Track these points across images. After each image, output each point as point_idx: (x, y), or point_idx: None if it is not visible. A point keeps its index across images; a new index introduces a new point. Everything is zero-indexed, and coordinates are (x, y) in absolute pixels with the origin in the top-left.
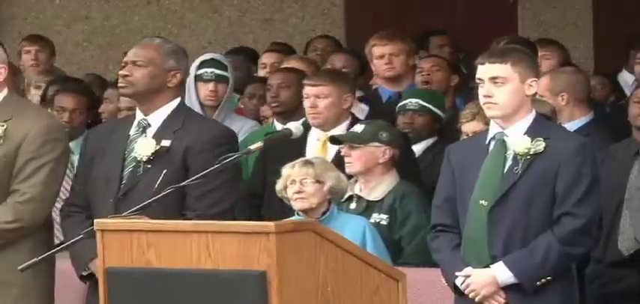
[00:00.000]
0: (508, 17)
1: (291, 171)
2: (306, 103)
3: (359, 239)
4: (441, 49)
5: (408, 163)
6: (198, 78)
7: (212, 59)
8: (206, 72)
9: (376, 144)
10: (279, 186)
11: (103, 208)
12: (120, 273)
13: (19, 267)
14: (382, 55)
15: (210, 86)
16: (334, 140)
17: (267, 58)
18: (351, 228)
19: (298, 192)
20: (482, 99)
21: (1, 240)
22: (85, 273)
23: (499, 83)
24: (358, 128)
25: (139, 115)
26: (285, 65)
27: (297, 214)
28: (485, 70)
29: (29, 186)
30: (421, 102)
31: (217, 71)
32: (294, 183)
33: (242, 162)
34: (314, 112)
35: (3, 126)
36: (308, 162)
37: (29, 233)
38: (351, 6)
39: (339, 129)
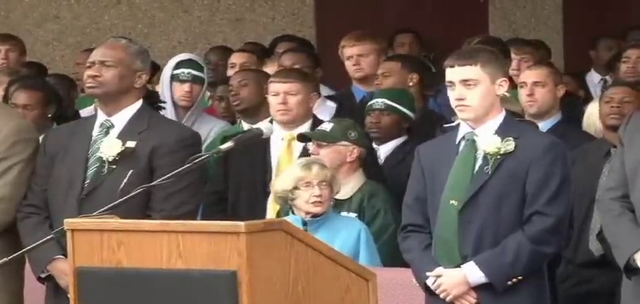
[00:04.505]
0: (479, 17)
1: (306, 173)
2: (275, 100)
3: (353, 241)
4: (404, 47)
5: (372, 164)
6: (174, 77)
7: (189, 60)
8: (183, 72)
9: (345, 143)
10: (284, 185)
11: (65, 208)
12: (90, 273)
13: None
14: (351, 56)
15: (186, 87)
16: (303, 137)
17: (236, 58)
18: (346, 230)
19: (318, 196)
20: (453, 102)
21: None
22: (43, 275)
23: (471, 85)
24: (327, 126)
25: (102, 116)
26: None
27: (291, 213)
28: (455, 73)
29: None
30: (387, 101)
31: (194, 72)
32: (310, 185)
33: (209, 163)
34: (284, 109)
35: None
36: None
37: None
38: (321, 6)
39: (304, 128)
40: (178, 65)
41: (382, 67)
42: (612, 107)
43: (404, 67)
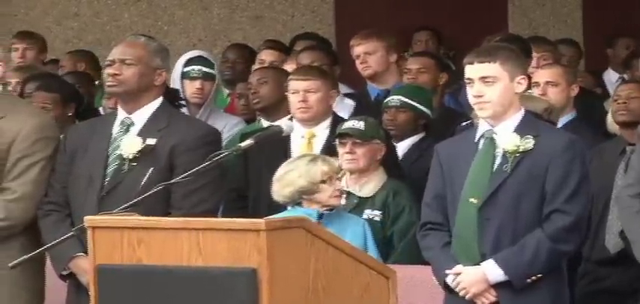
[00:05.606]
0: (498, 15)
1: (330, 167)
2: (295, 98)
3: (361, 238)
4: (421, 44)
5: (394, 162)
6: (184, 75)
7: (199, 57)
8: (193, 69)
9: (377, 141)
10: (310, 178)
11: (85, 206)
12: (111, 271)
13: (10, 264)
14: (358, 55)
15: (197, 84)
16: (341, 136)
17: (265, 56)
18: (352, 227)
19: (340, 189)
20: (472, 99)
21: None
22: (64, 273)
23: (489, 82)
24: (359, 124)
25: (122, 114)
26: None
27: (298, 207)
28: (474, 70)
29: (20, 184)
30: (403, 98)
31: (204, 69)
32: (333, 179)
33: (229, 160)
34: (304, 107)
35: None
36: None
37: (19, 231)
38: (341, 3)
39: (324, 126)
40: (188, 63)
41: (417, 61)
42: (619, 104)
43: (437, 65)
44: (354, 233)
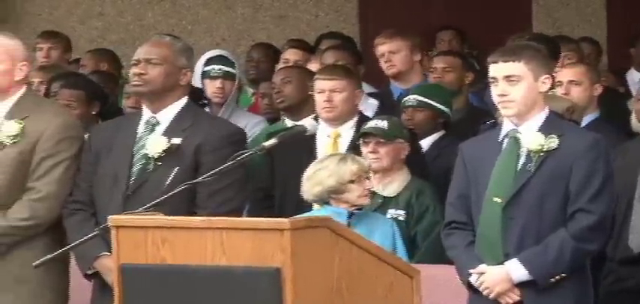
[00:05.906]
0: (522, 14)
1: (359, 167)
2: (320, 98)
3: (389, 238)
4: (445, 44)
5: (419, 161)
6: (205, 74)
7: (219, 56)
8: (213, 69)
9: (401, 140)
10: (339, 178)
11: (110, 205)
12: (135, 270)
13: (34, 263)
14: (382, 54)
15: (218, 83)
16: (364, 135)
17: (289, 55)
18: (381, 227)
19: (369, 189)
20: (496, 98)
21: (16, 237)
22: (89, 272)
23: (514, 81)
24: (382, 124)
25: (147, 113)
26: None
27: (326, 206)
28: (498, 69)
29: (44, 183)
30: (419, 97)
31: (225, 68)
32: (363, 178)
33: (255, 160)
34: (329, 106)
35: (20, 123)
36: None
37: (44, 230)
38: (365, 3)
39: (349, 125)
40: (209, 62)
41: (443, 60)
42: None
43: (463, 65)
44: (383, 232)
